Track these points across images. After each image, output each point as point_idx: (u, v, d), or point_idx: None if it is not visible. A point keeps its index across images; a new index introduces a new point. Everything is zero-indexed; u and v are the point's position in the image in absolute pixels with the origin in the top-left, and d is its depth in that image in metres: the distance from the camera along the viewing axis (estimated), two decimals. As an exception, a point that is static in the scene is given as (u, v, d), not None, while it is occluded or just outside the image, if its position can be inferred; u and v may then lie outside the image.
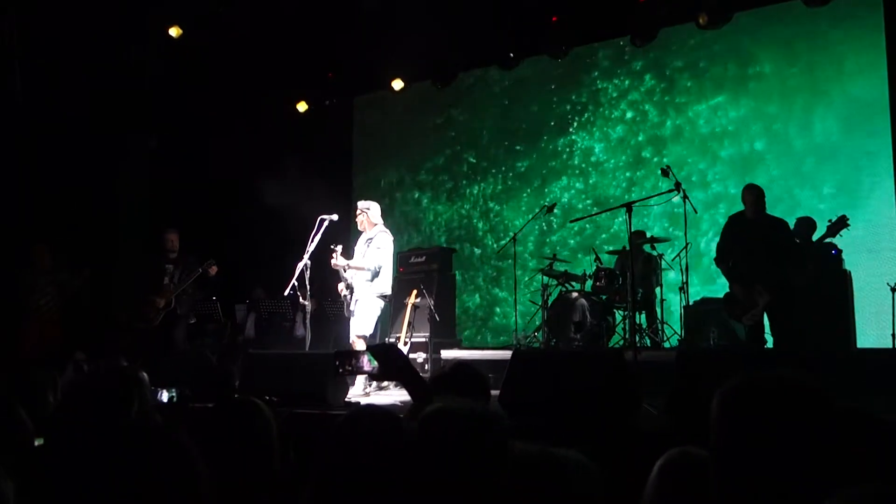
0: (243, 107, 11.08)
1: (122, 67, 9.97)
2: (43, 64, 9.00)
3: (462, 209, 11.93)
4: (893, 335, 7.51)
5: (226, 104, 10.59)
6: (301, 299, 7.52)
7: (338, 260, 7.53)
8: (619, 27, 10.07)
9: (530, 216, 9.79)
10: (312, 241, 7.41)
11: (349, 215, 11.80)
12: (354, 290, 7.54)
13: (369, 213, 7.72)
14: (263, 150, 11.22)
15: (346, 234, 11.81)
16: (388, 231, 7.75)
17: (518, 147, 11.53)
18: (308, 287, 7.41)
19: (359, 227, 7.82)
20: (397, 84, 11.09)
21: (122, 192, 10.62)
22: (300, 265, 7.37)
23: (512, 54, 10.64)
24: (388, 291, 7.59)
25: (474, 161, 11.92)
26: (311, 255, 7.41)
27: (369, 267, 7.46)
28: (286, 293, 7.53)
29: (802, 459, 1.52)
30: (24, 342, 8.20)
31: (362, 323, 7.41)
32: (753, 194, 6.87)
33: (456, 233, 11.85)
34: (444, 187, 12.15)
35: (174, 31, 9.96)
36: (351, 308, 7.61)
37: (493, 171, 11.73)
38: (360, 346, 7.19)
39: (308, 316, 7.64)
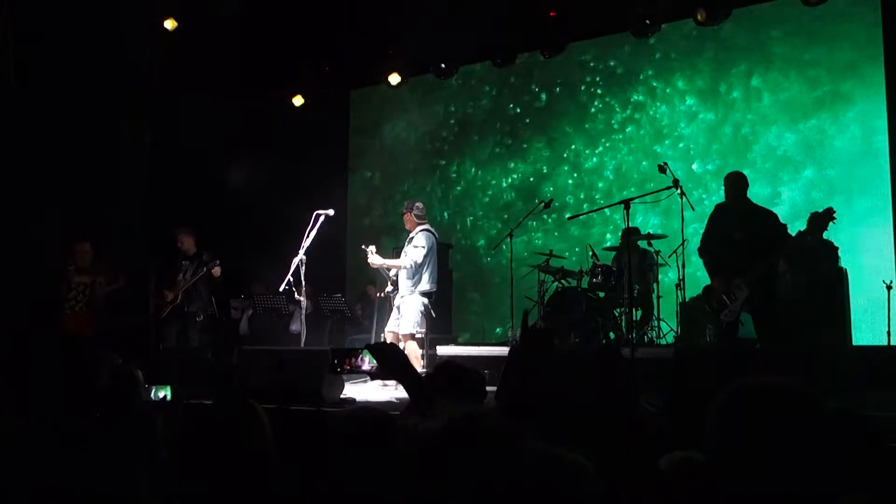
0: (239, 101, 11.01)
1: (116, 60, 9.90)
2: (37, 54, 8.93)
3: (454, 203, 11.92)
4: (889, 333, 7.51)
5: (221, 98, 10.53)
6: (296, 295, 7.50)
7: (373, 258, 7.60)
8: (619, 23, 10.03)
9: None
10: (308, 236, 7.39)
11: (344, 210, 11.78)
12: (399, 288, 7.63)
13: (413, 212, 7.78)
14: (259, 144, 11.17)
15: (342, 229, 11.82)
16: (431, 230, 7.78)
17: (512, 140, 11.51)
18: (304, 283, 7.39)
19: (405, 226, 7.91)
20: (394, 78, 11.04)
21: (117, 185, 10.56)
22: (296, 260, 7.35)
23: (509, 49, 10.62)
24: (430, 288, 7.61)
25: (470, 154, 11.90)
26: (306, 251, 7.38)
27: (405, 264, 7.52)
28: (282, 289, 7.51)
29: (796, 465, 1.53)
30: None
31: (407, 322, 7.47)
32: (727, 181, 6.59)
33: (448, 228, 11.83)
34: (440, 181, 12.13)
35: (169, 24, 9.89)
36: (395, 303, 7.70)
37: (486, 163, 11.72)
38: (409, 346, 7.31)
39: (304, 312, 7.61)
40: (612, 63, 10.90)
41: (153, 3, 9.80)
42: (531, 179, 11.37)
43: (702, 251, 6.74)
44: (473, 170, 11.85)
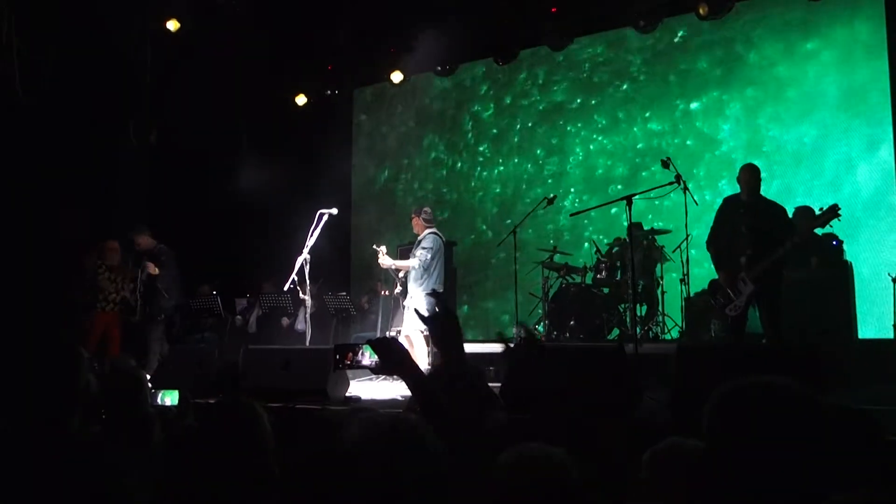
0: (243, 100, 11.04)
1: (120, 61, 9.93)
2: (41, 57, 8.97)
3: (461, 199, 11.93)
4: (895, 326, 7.48)
5: (225, 98, 10.55)
6: (301, 294, 7.53)
7: (383, 259, 7.78)
8: (621, 17, 10.02)
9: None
10: (312, 235, 7.41)
11: (348, 209, 11.79)
12: (407, 288, 7.81)
13: (421, 216, 7.95)
14: (263, 143, 11.19)
15: (345, 228, 11.83)
16: (438, 232, 7.95)
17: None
18: (308, 281, 7.41)
19: (413, 230, 8.08)
20: (396, 76, 11.06)
21: (121, 186, 10.59)
22: (300, 259, 7.37)
23: (510, 46, 10.62)
24: (437, 289, 7.75)
25: (476, 151, 11.91)
26: (310, 250, 7.40)
27: (414, 265, 7.68)
28: (286, 287, 7.54)
29: (789, 463, 1.54)
30: (88, 339, 8.19)
31: (415, 319, 7.53)
32: (746, 173, 6.45)
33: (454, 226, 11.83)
34: (444, 179, 12.15)
35: (172, 25, 9.91)
36: (404, 304, 7.91)
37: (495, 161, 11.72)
38: (416, 339, 7.54)
39: (308, 310, 7.64)
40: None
41: (156, 4, 9.81)
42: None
43: (709, 244, 6.70)
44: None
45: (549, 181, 11.19)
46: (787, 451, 1.53)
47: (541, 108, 11.45)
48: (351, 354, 2.57)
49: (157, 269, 8.53)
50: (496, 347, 8.28)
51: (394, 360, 2.37)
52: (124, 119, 10.41)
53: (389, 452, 1.55)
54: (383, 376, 7.02)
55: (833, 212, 6.07)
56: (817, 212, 6.23)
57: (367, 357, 2.51)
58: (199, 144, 10.24)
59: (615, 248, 8.93)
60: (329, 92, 11.72)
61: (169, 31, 9.90)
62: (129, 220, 9.72)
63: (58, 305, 8.60)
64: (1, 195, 8.77)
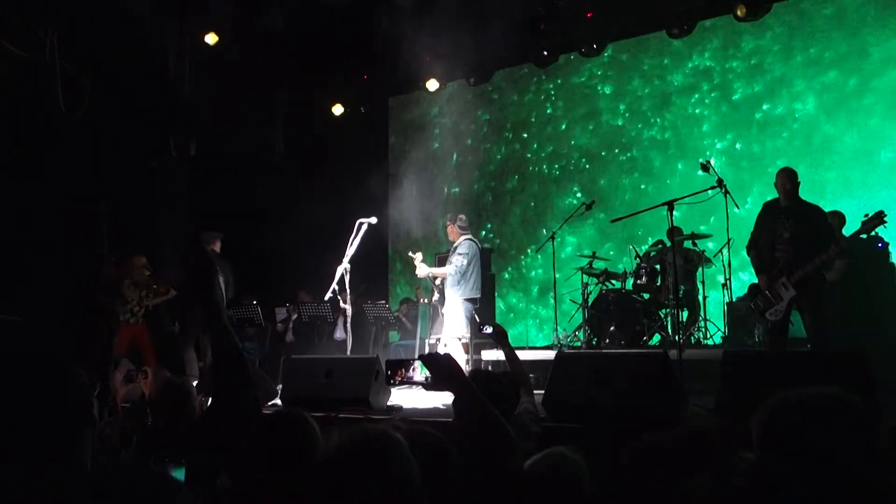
0: (280, 111, 11.15)
1: (160, 74, 10.08)
2: (83, 74, 9.14)
3: (499, 207, 11.92)
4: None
5: (263, 109, 10.67)
6: (341, 303, 7.55)
7: (420, 268, 7.89)
8: (656, 21, 9.96)
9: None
10: (352, 244, 7.44)
11: (387, 218, 11.85)
12: (445, 295, 7.85)
13: (457, 223, 8.00)
14: (300, 153, 11.28)
15: (383, 237, 11.89)
16: (473, 239, 7.99)
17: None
18: (348, 290, 7.44)
19: (449, 237, 8.14)
20: (432, 84, 11.10)
21: (161, 198, 10.74)
22: (340, 269, 7.39)
23: (546, 52, 10.60)
24: (475, 295, 7.82)
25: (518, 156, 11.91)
26: (350, 259, 7.43)
27: (450, 272, 7.72)
28: (326, 297, 7.58)
29: (839, 472, 1.52)
30: (116, 346, 8.34)
31: (453, 326, 7.68)
32: (780, 178, 6.41)
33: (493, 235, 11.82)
34: (483, 187, 12.15)
35: (211, 39, 10.05)
36: (441, 311, 7.94)
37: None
38: (453, 347, 7.53)
39: (349, 319, 7.67)
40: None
41: (195, 19, 9.95)
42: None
43: (750, 248, 6.63)
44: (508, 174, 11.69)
45: (586, 185, 11.18)
46: (839, 464, 1.51)
47: (582, 112, 11.43)
48: (402, 371, 2.56)
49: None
50: (538, 355, 8.29)
51: (445, 374, 2.33)
52: (164, 132, 10.56)
53: (359, 466, 1.55)
54: (432, 390, 7.04)
55: (879, 218, 5.96)
56: (866, 216, 6.11)
57: (419, 373, 2.48)
58: (237, 155, 10.37)
59: (653, 253, 8.86)
60: (365, 101, 11.79)
61: (207, 44, 10.04)
62: (170, 232, 9.90)
63: (83, 314, 8.72)
64: (46, 209, 8.95)
